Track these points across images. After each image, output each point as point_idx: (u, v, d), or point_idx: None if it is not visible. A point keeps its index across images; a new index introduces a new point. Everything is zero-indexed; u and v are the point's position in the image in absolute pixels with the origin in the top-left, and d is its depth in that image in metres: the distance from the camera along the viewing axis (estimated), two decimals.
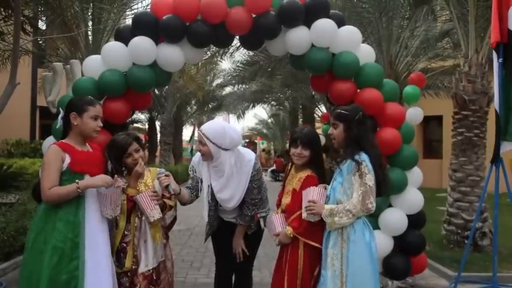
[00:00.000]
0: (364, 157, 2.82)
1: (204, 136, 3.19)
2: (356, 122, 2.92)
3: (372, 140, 3.01)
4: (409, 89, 5.15)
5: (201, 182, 3.36)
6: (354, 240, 2.81)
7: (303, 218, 2.96)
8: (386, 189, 2.97)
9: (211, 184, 3.30)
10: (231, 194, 3.27)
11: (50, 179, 2.80)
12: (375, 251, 2.89)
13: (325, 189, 3.02)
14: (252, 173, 3.28)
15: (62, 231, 2.79)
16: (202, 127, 3.28)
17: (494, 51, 4.45)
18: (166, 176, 3.13)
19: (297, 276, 2.99)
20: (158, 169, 3.45)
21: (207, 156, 3.23)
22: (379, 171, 2.84)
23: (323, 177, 3.13)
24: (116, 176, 3.04)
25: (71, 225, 2.82)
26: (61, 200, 2.81)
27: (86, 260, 2.81)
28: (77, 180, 2.82)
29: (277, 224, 3.10)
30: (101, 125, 3.04)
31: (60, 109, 3.01)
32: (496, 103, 4.44)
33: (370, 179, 2.78)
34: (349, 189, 2.86)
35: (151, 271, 3.13)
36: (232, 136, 3.22)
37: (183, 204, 3.35)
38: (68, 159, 2.85)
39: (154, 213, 3.07)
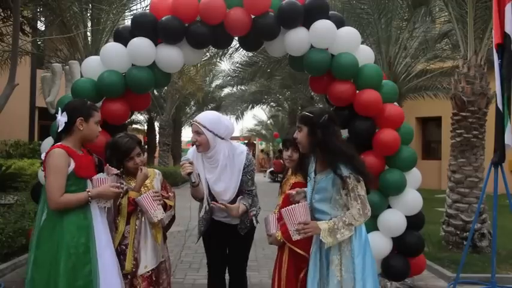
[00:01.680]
0: (348, 169, 2.66)
1: (200, 125, 3.19)
2: (320, 126, 2.73)
3: (340, 146, 2.74)
4: None
5: (199, 176, 3.35)
6: (357, 242, 2.74)
7: (293, 239, 2.77)
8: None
9: (206, 177, 3.30)
10: (225, 186, 3.26)
11: (59, 186, 2.75)
12: (370, 246, 2.82)
13: (305, 195, 2.91)
14: (245, 163, 3.29)
15: (74, 236, 2.75)
16: (197, 117, 3.27)
17: (495, 52, 4.44)
18: (190, 163, 3.15)
19: (281, 278, 3.00)
20: (156, 171, 3.45)
21: (204, 146, 3.23)
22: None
23: None
24: (107, 165, 3.04)
25: (82, 229, 2.79)
26: (67, 208, 2.78)
27: (97, 263, 2.79)
28: (88, 190, 2.81)
29: (272, 224, 3.10)
30: (100, 130, 3.04)
31: (60, 112, 2.95)
32: (499, 103, 4.42)
33: (361, 188, 2.68)
34: (340, 199, 2.73)
35: (150, 272, 3.13)
36: (227, 124, 3.27)
37: (198, 199, 3.34)
38: (72, 164, 2.81)
39: (157, 213, 3.08)
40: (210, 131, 3.18)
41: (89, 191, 2.80)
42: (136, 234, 3.14)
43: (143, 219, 3.16)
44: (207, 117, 3.25)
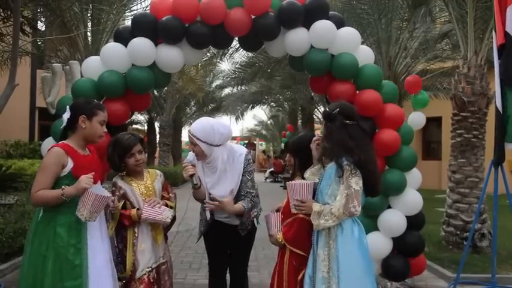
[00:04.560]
0: (349, 160, 2.71)
1: (194, 136, 3.20)
2: (330, 119, 2.82)
3: (342, 138, 2.76)
4: (420, 94, 5.20)
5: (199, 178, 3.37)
6: (343, 239, 2.74)
7: (292, 212, 2.91)
8: (376, 189, 2.85)
9: (205, 180, 3.31)
10: (224, 190, 3.27)
11: (42, 183, 2.74)
12: (366, 247, 2.82)
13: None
14: (244, 163, 3.30)
15: (64, 237, 2.75)
16: (191, 128, 3.27)
17: (495, 52, 4.43)
18: (192, 165, 3.16)
19: (283, 279, 3.00)
20: (158, 172, 3.44)
21: (201, 156, 3.24)
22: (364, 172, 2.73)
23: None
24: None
25: (73, 231, 2.78)
26: (47, 205, 2.76)
27: (88, 266, 2.78)
28: (63, 187, 2.74)
29: (273, 223, 3.09)
30: (106, 130, 3.03)
31: (67, 108, 2.95)
32: (498, 103, 4.41)
33: (356, 182, 2.68)
34: (337, 190, 2.78)
35: (147, 274, 3.10)
36: (221, 132, 3.24)
37: (200, 200, 3.35)
38: (70, 164, 2.80)
39: (166, 215, 3.09)
40: (204, 142, 3.19)
41: (63, 188, 2.73)
42: (134, 239, 3.12)
43: (141, 224, 3.15)
44: (200, 128, 3.23)
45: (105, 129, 3.02)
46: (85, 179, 2.74)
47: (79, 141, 2.91)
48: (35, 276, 2.72)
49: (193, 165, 3.21)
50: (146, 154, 3.30)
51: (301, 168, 3.11)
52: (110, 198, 2.93)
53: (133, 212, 3.09)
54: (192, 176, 3.17)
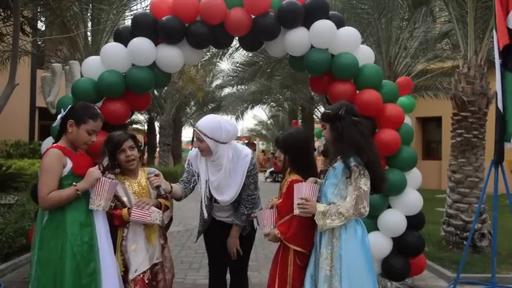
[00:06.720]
0: (357, 160, 2.73)
1: (201, 132, 3.19)
2: (339, 119, 2.84)
3: (353, 137, 2.80)
4: (404, 99, 5.15)
5: (198, 176, 3.36)
6: (346, 238, 2.76)
7: (294, 213, 2.90)
8: (381, 188, 2.88)
9: (209, 179, 3.31)
10: (228, 189, 3.27)
11: (50, 185, 2.75)
12: (368, 247, 2.84)
13: (316, 183, 2.96)
14: (249, 167, 3.30)
15: (77, 235, 2.76)
16: (198, 124, 3.27)
17: (496, 52, 4.42)
18: (156, 175, 3.10)
19: (287, 282, 2.98)
20: (150, 169, 3.42)
21: (206, 152, 3.24)
22: (370, 172, 2.75)
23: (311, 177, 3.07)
24: (107, 172, 3.04)
25: (85, 228, 2.80)
26: (60, 205, 2.77)
27: (100, 262, 2.81)
28: (74, 183, 2.78)
29: (268, 221, 3.07)
30: (94, 140, 2.98)
31: (62, 109, 2.96)
32: (499, 103, 4.41)
33: (364, 183, 2.72)
34: (343, 190, 2.79)
35: (142, 275, 3.07)
36: (228, 129, 3.24)
37: (177, 199, 3.36)
38: (69, 164, 2.82)
39: (154, 217, 3.04)
40: (211, 138, 3.18)
41: (75, 184, 2.77)
42: (123, 241, 3.09)
43: (130, 223, 3.13)
44: (208, 124, 3.24)
45: (94, 139, 2.97)
46: (95, 171, 2.83)
47: (68, 143, 2.92)
48: (54, 280, 2.72)
49: (157, 175, 3.10)
50: (146, 154, 3.27)
51: (293, 163, 3.10)
52: (118, 184, 3.01)
53: (125, 211, 3.05)
54: (158, 186, 3.09)
